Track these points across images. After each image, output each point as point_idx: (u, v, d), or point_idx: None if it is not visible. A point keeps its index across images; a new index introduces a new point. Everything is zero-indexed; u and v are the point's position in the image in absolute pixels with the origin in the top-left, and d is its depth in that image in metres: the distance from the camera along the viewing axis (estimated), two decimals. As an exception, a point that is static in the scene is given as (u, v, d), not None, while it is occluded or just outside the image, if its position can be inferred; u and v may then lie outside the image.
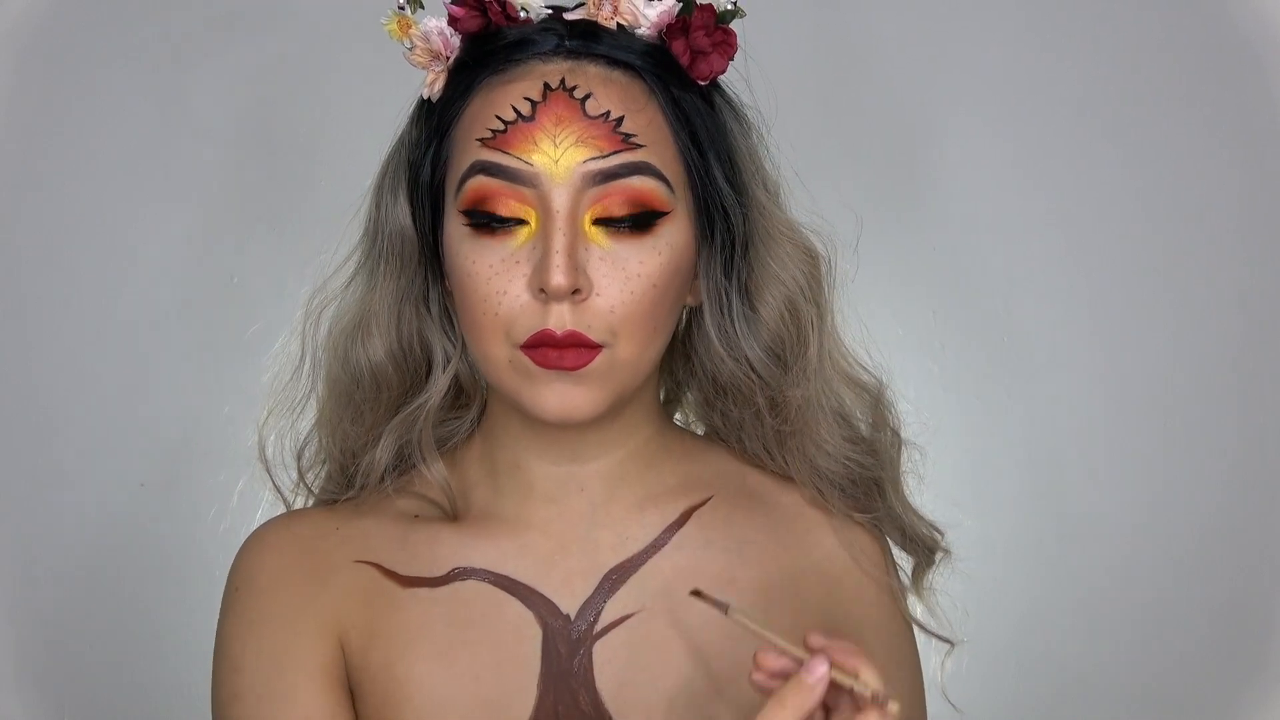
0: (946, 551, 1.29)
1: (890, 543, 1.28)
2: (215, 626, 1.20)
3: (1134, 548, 1.85)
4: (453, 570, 1.17)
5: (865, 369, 1.24)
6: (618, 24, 1.11)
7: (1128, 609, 1.85)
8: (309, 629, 1.16)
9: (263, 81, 1.86)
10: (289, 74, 1.86)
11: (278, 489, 1.27)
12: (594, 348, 1.08)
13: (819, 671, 0.94)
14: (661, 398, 1.29)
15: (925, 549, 1.28)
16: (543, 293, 1.07)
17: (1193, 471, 1.85)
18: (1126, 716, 1.86)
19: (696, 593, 1.04)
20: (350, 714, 1.16)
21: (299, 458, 1.26)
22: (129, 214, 1.84)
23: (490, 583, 1.16)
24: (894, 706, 0.93)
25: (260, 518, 1.25)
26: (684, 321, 1.22)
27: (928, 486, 1.29)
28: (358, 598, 1.17)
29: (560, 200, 1.07)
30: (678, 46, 1.12)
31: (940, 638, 1.29)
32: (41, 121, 1.83)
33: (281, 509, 1.27)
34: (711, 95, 1.16)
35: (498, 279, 1.08)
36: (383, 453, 1.19)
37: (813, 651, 0.96)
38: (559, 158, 1.07)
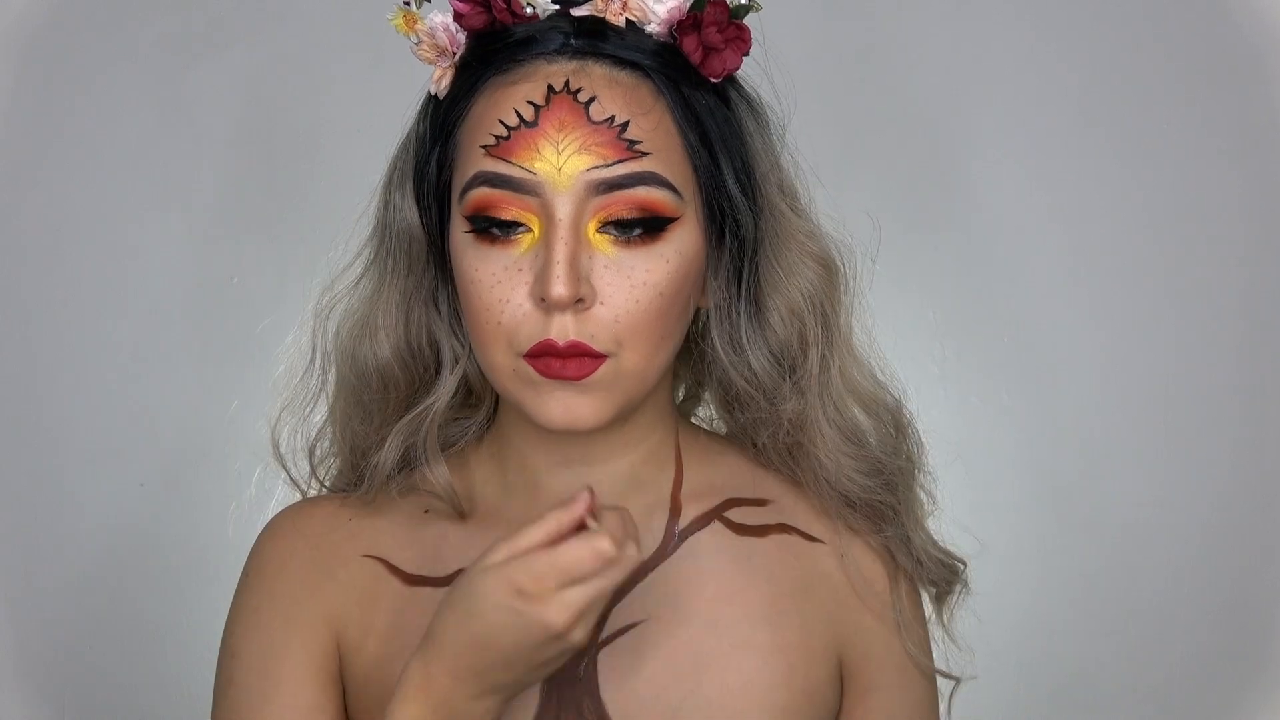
0: (964, 584, 1.27)
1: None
2: (212, 626, 1.22)
3: (1134, 548, 1.85)
4: (458, 572, 1.16)
5: (884, 388, 1.22)
6: (626, 21, 1.09)
7: (1128, 610, 1.85)
8: (307, 622, 1.17)
9: (262, 82, 1.86)
10: (288, 75, 1.86)
11: (294, 481, 1.26)
12: (598, 357, 1.07)
13: (580, 496, 1.01)
14: (680, 395, 1.29)
15: (938, 579, 1.25)
16: (544, 302, 1.05)
17: (1193, 472, 1.85)
18: (1127, 717, 1.86)
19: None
20: (338, 709, 1.16)
21: (311, 453, 1.25)
22: (129, 214, 1.84)
23: (495, 585, 1.16)
24: (608, 547, 1.00)
25: (273, 509, 1.25)
26: (699, 321, 1.20)
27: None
28: (360, 593, 1.18)
29: (563, 209, 1.05)
30: (689, 43, 1.09)
31: (946, 675, 1.27)
32: (42, 122, 1.83)
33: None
34: (727, 92, 1.13)
35: (500, 287, 1.07)
36: (389, 454, 1.19)
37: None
38: (562, 165, 1.06)
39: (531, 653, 1.01)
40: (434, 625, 1.03)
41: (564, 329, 1.06)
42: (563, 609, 0.99)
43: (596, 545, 0.99)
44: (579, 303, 1.06)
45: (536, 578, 0.99)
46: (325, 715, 1.15)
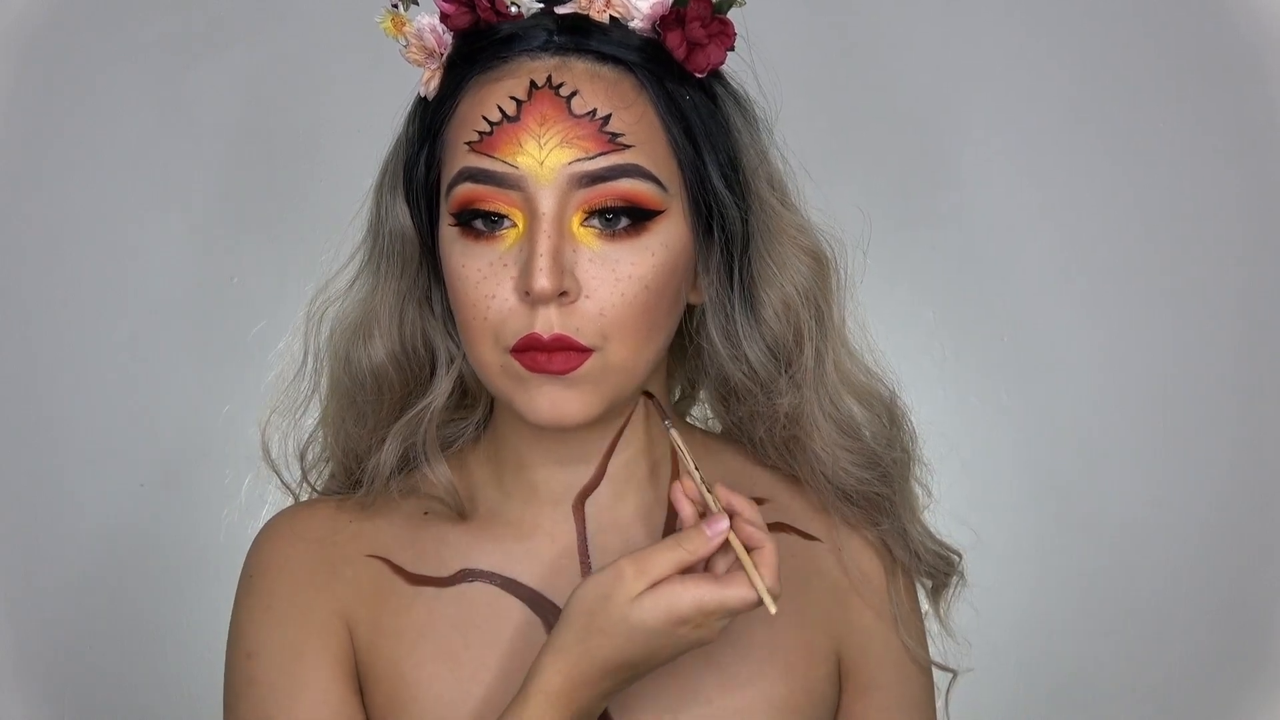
0: (961, 576, 1.28)
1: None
2: (212, 626, 1.22)
3: (1133, 547, 1.85)
4: (460, 572, 1.17)
5: (878, 380, 1.22)
6: (610, 17, 1.09)
7: (1126, 609, 1.85)
8: (322, 618, 1.16)
9: (262, 82, 1.86)
10: (288, 75, 1.86)
11: (286, 486, 1.26)
12: (584, 351, 1.07)
13: (719, 528, 1.05)
14: (676, 395, 1.28)
15: (934, 571, 1.26)
16: (528, 296, 1.05)
17: (1192, 471, 1.84)
18: (1126, 717, 1.86)
19: (648, 394, 1.17)
20: (359, 704, 1.15)
21: (302, 457, 1.25)
22: (129, 214, 1.85)
23: (497, 585, 1.16)
24: (773, 610, 1.04)
25: (265, 515, 1.25)
26: (694, 318, 1.20)
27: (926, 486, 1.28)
28: (366, 592, 1.17)
29: (546, 202, 1.06)
30: (673, 39, 1.09)
31: (943, 668, 1.28)
32: (42, 122, 1.83)
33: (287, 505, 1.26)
34: (713, 88, 1.13)
35: (486, 283, 1.07)
36: (388, 456, 1.19)
37: (724, 506, 1.07)
38: (544, 159, 1.06)
39: (673, 659, 1.07)
40: (578, 644, 1.05)
41: (549, 322, 1.06)
42: (716, 630, 1.06)
43: (757, 598, 1.04)
44: (563, 296, 1.06)
45: (705, 614, 1.04)
46: (353, 709, 1.15)
